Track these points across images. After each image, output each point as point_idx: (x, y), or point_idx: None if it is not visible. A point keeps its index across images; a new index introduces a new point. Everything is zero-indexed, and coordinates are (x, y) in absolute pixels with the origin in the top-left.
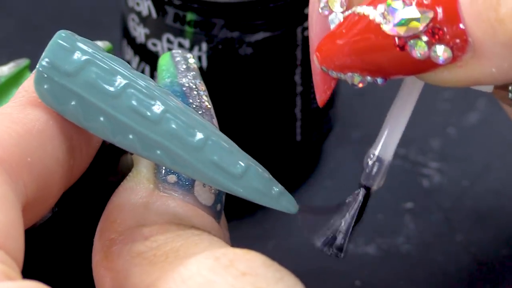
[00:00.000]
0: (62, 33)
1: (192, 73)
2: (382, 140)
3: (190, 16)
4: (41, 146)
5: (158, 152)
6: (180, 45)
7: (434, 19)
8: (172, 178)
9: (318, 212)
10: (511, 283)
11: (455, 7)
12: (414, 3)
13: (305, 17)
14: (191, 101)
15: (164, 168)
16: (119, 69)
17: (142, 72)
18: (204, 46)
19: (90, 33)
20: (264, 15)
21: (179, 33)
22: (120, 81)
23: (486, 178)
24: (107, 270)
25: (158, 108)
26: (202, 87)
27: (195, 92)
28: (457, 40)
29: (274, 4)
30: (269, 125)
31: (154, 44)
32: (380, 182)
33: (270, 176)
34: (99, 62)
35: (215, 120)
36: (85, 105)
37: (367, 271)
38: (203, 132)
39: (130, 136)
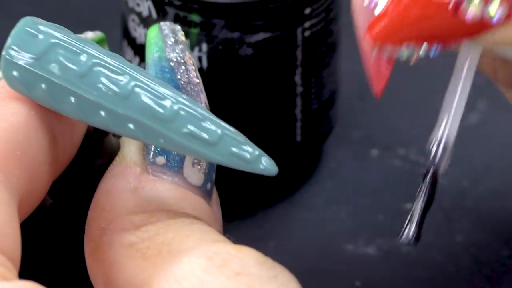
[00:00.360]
0: (27, 19)
1: (180, 46)
2: (444, 123)
3: (190, 17)
4: (27, 138)
5: (131, 126)
6: None
7: None
8: (161, 160)
9: None
10: (511, 284)
11: None
12: None
13: (306, 17)
14: (179, 77)
15: (152, 150)
16: (86, 49)
17: None
18: (205, 46)
19: None
20: (264, 15)
21: None
22: (86, 60)
23: (486, 179)
24: (100, 262)
25: (126, 83)
26: (191, 61)
27: (183, 67)
28: None
29: (274, 4)
30: (269, 125)
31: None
32: (445, 165)
33: (247, 139)
34: (65, 44)
35: (203, 95)
36: (53, 88)
37: (367, 272)
38: (175, 103)
39: (102, 114)
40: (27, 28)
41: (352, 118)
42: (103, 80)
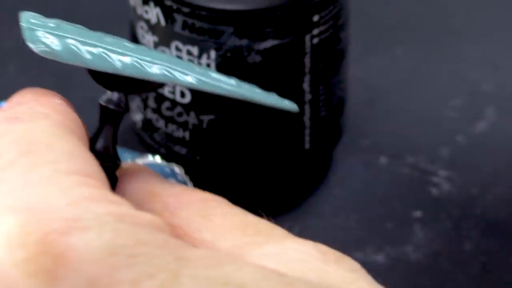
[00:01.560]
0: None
1: None
2: None
3: (198, 24)
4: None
5: (163, 68)
6: (189, 53)
7: None
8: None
9: None
10: None
11: None
12: None
13: (314, 24)
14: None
15: (162, 175)
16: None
17: None
18: (213, 54)
19: None
20: (272, 22)
21: (188, 41)
22: (94, 32)
23: (495, 186)
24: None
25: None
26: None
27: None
28: None
29: (282, 11)
30: (278, 133)
31: (163, 52)
32: None
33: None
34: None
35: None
36: (80, 42)
37: (376, 280)
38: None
39: (128, 59)
40: (32, 15)
41: (361, 126)
42: (117, 39)
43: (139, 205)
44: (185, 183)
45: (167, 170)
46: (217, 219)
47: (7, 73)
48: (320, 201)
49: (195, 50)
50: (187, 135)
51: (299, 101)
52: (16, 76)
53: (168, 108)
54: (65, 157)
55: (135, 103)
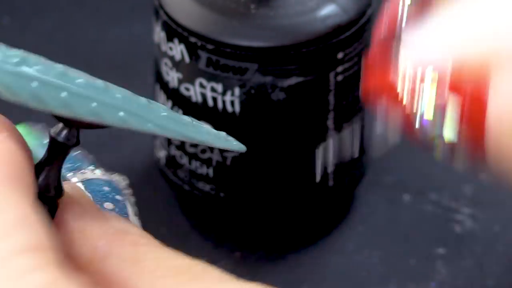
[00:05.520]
0: None
1: None
2: None
3: (223, 61)
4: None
5: (121, 114)
6: (213, 90)
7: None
8: (108, 205)
9: None
10: None
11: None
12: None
13: (338, 62)
14: None
15: (101, 195)
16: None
17: None
18: (237, 90)
19: (123, 77)
20: (297, 60)
21: (212, 78)
22: (56, 66)
23: None
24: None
25: (100, 81)
26: None
27: None
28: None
29: (306, 49)
30: (301, 170)
31: (187, 89)
32: None
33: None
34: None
35: None
36: (45, 86)
37: None
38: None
39: (94, 104)
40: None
41: (384, 163)
42: (82, 80)
43: (70, 245)
44: (125, 199)
45: (106, 188)
46: (149, 265)
47: None
48: (343, 237)
49: (219, 87)
50: (210, 172)
51: (323, 138)
52: None
53: (192, 145)
54: (13, 230)
55: (159, 139)
